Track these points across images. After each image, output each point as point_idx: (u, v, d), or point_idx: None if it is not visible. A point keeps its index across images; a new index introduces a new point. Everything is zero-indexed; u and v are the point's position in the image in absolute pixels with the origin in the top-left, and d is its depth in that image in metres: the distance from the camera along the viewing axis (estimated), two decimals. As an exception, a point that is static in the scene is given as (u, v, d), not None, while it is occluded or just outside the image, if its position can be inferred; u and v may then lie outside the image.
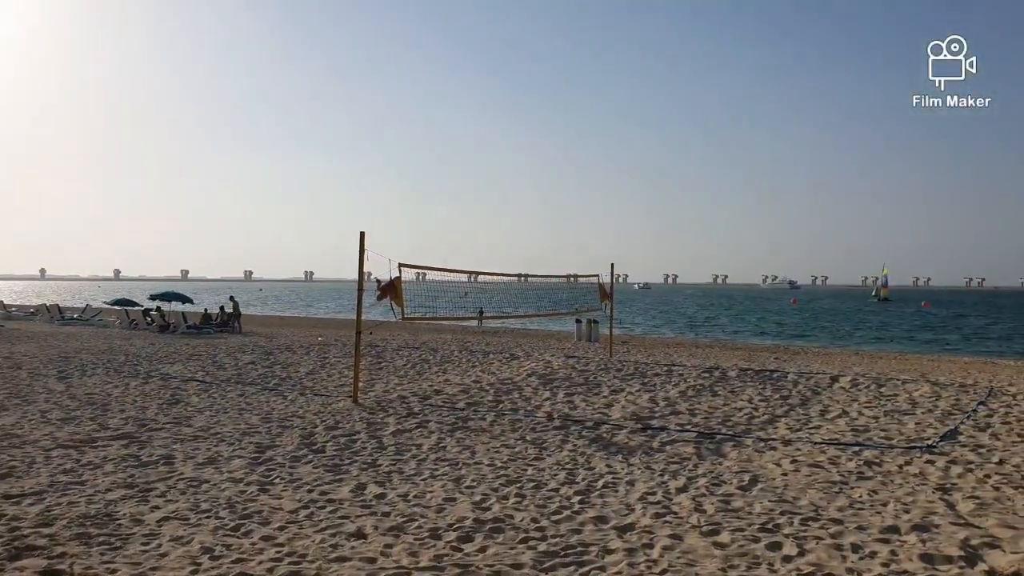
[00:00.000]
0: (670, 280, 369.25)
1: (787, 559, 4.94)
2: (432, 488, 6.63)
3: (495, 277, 17.62)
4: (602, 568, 4.77)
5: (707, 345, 28.56)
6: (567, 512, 5.95)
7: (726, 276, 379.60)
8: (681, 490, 6.67)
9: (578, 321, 25.72)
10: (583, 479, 6.98)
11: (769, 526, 5.64)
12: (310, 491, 6.51)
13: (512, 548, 5.13)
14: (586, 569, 4.75)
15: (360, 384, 11.81)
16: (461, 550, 5.10)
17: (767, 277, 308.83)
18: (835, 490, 6.69)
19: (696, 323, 50.65)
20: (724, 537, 5.37)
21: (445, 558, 4.94)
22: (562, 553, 5.04)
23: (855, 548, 5.15)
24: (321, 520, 5.72)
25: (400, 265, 11.27)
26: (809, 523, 5.71)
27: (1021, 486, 6.83)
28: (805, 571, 4.72)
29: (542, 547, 5.15)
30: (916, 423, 10.00)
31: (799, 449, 8.38)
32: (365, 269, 11.05)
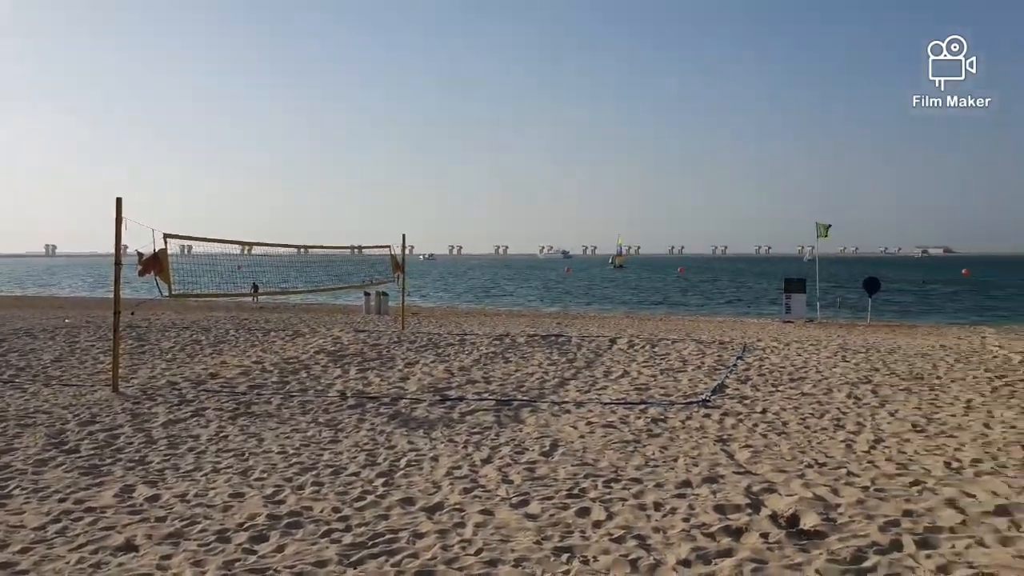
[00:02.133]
0: (455, 251, 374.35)
1: (597, 524, 4.98)
2: (215, 484, 5.94)
3: (273, 249, 16.52)
4: (414, 555, 4.49)
5: (495, 313, 29.16)
6: (371, 497, 5.59)
7: (507, 247, 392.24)
8: (486, 461, 6.57)
9: (367, 293, 25.05)
10: (385, 459, 6.64)
11: (575, 491, 5.68)
12: (62, 500, 5.56)
13: (314, 544, 4.69)
14: (398, 558, 4.44)
15: (121, 371, 10.47)
16: (255, 552, 4.57)
17: (544, 248, 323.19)
18: (630, 449, 6.94)
19: (484, 292, 51.75)
20: (534, 507, 5.32)
21: (237, 563, 4.38)
22: (370, 543, 4.68)
23: (657, 506, 5.32)
24: (78, 534, 4.87)
25: (165, 236, 10.07)
26: (612, 485, 5.84)
27: (783, 432, 7.55)
28: (616, 535, 4.77)
29: (347, 539, 4.76)
30: (689, 379, 10.78)
31: (591, 411, 8.65)
32: (123, 241, 9.75)
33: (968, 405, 8.60)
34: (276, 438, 7.43)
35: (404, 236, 19.09)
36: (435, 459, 6.66)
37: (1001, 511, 4.96)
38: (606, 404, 9.00)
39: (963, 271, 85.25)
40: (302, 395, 9.68)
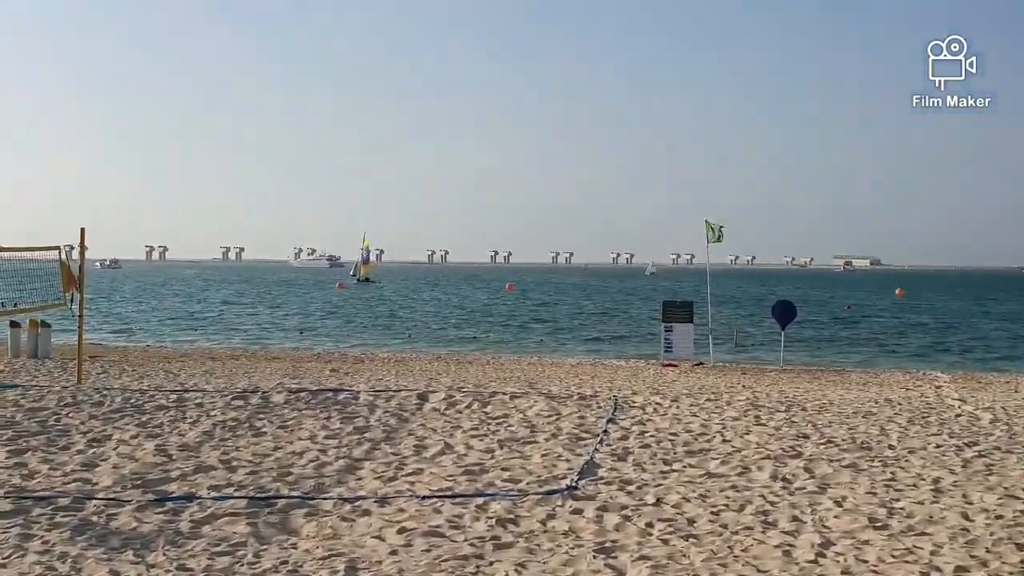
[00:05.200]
0: (156, 254, 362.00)
1: None
2: None
3: None
4: None
5: (231, 355, 28.21)
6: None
7: (242, 249, 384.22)
8: (244, 601, 6.18)
9: (13, 324, 23.32)
10: (71, 606, 6.06)
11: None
12: None
13: None
14: None
15: None
16: None
17: (301, 250, 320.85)
18: (470, 570, 6.83)
19: (209, 320, 50.12)
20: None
21: None
22: None
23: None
24: None
25: None
26: (450, 630, 5.67)
27: (691, 534, 7.74)
28: None
29: None
30: (542, 454, 10.90)
31: (403, 510, 8.48)
32: None
33: (936, 487, 9.28)
34: None
35: (83, 231, 17.85)
36: (158, 600, 6.17)
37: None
38: (425, 499, 8.84)
39: (897, 291, 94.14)
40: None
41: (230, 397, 14.59)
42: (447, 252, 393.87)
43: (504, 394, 15.44)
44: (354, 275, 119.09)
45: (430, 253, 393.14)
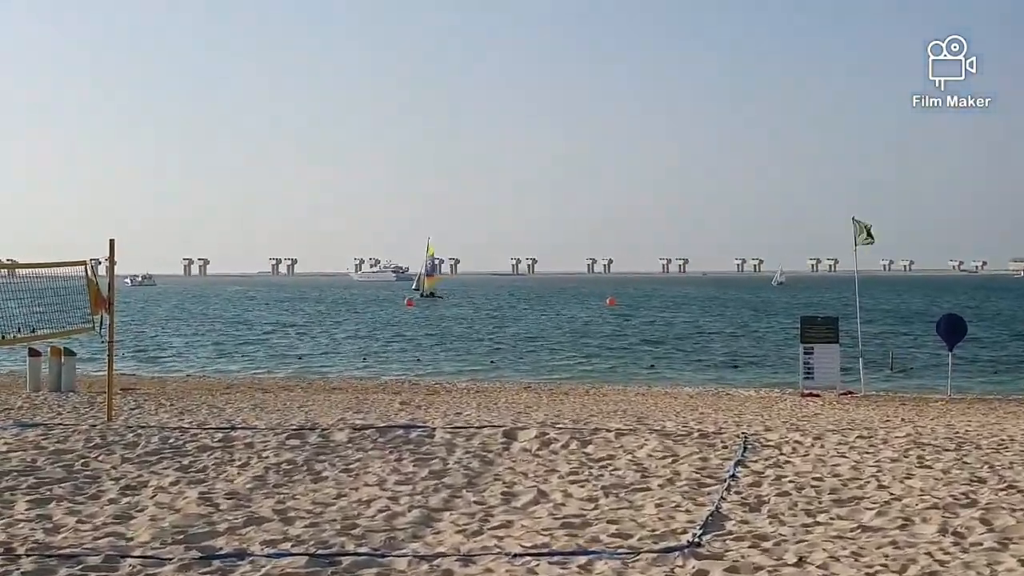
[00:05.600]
0: (196, 268, 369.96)
1: None
2: None
3: None
4: None
5: (284, 386, 28.60)
6: None
7: (294, 261, 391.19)
8: None
9: (33, 352, 23.89)
10: None
11: None
12: None
13: None
14: None
15: None
16: None
17: (361, 262, 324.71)
18: (573, 645, 6.79)
19: (256, 343, 50.87)
20: None
21: None
22: None
23: None
24: None
25: None
26: None
27: (843, 601, 7.60)
28: None
29: None
30: (656, 504, 10.78)
31: (491, 570, 8.43)
32: None
33: None
34: None
35: (112, 243, 18.25)
36: None
37: None
38: (516, 556, 8.80)
39: None
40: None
41: (284, 436, 14.76)
42: (535, 260, 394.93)
43: (608, 431, 15.40)
44: (417, 289, 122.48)
45: (515, 262, 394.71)
